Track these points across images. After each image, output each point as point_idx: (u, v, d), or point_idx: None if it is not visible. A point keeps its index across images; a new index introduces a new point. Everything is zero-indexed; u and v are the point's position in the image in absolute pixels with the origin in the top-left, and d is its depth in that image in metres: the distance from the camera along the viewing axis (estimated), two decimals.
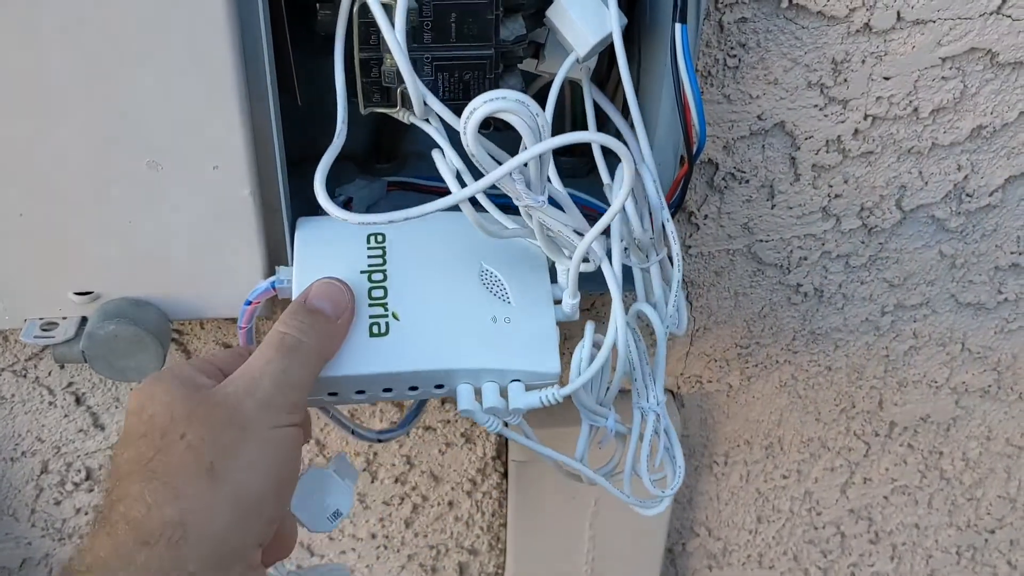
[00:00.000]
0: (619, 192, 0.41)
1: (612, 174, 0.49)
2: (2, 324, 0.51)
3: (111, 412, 0.67)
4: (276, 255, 0.50)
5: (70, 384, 0.65)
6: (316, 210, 0.52)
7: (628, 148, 0.40)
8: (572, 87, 0.54)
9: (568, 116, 0.56)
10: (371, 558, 0.83)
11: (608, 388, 0.49)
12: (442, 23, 0.44)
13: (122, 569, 0.34)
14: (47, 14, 0.40)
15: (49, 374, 0.64)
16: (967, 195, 0.64)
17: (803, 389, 0.77)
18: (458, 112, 0.40)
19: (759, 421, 0.79)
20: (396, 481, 0.76)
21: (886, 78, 0.57)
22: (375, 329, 0.44)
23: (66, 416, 0.67)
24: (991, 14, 0.55)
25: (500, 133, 0.41)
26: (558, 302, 0.47)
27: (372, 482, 0.76)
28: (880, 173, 0.62)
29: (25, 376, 0.64)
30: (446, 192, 0.43)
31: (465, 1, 0.43)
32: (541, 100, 0.41)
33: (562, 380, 0.46)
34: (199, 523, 0.35)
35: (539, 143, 0.38)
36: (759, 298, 0.69)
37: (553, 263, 0.48)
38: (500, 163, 0.40)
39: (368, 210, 0.55)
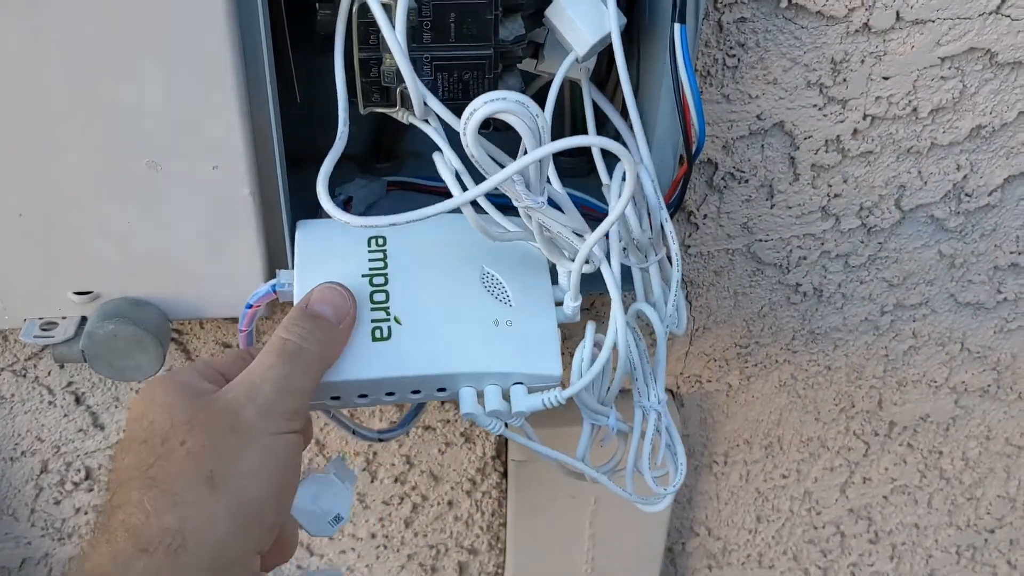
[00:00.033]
0: (620, 198, 0.41)
1: (611, 174, 0.49)
2: (2, 324, 0.51)
3: (111, 412, 0.67)
4: (276, 255, 0.50)
5: (70, 384, 0.65)
6: (316, 209, 0.52)
7: (629, 152, 0.40)
8: (571, 87, 0.54)
9: (567, 116, 0.56)
10: (371, 558, 0.83)
11: (609, 388, 0.49)
12: (441, 23, 0.44)
13: None
14: (47, 14, 0.40)
15: (49, 374, 0.64)
16: (966, 195, 0.64)
17: (803, 389, 0.77)
18: (457, 112, 0.40)
19: (759, 421, 0.79)
20: (396, 481, 0.76)
21: (885, 78, 0.57)
22: (377, 333, 0.44)
23: (66, 416, 0.67)
24: (990, 14, 0.55)
25: (499, 133, 0.41)
26: (559, 304, 0.47)
27: (372, 482, 0.76)
28: (879, 173, 0.62)
29: (25, 376, 0.64)
30: (446, 192, 0.43)
31: (464, 1, 0.43)
32: (540, 100, 0.41)
33: (563, 381, 0.46)
34: (198, 531, 0.35)
35: (540, 147, 0.38)
36: (758, 298, 0.69)
37: (553, 264, 0.48)
38: (500, 164, 0.40)
39: (368, 209, 0.55)
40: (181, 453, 0.36)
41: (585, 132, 0.51)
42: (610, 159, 0.46)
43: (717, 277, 0.67)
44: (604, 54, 0.49)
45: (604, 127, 0.52)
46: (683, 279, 0.66)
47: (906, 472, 0.86)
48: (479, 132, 0.38)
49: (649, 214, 0.46)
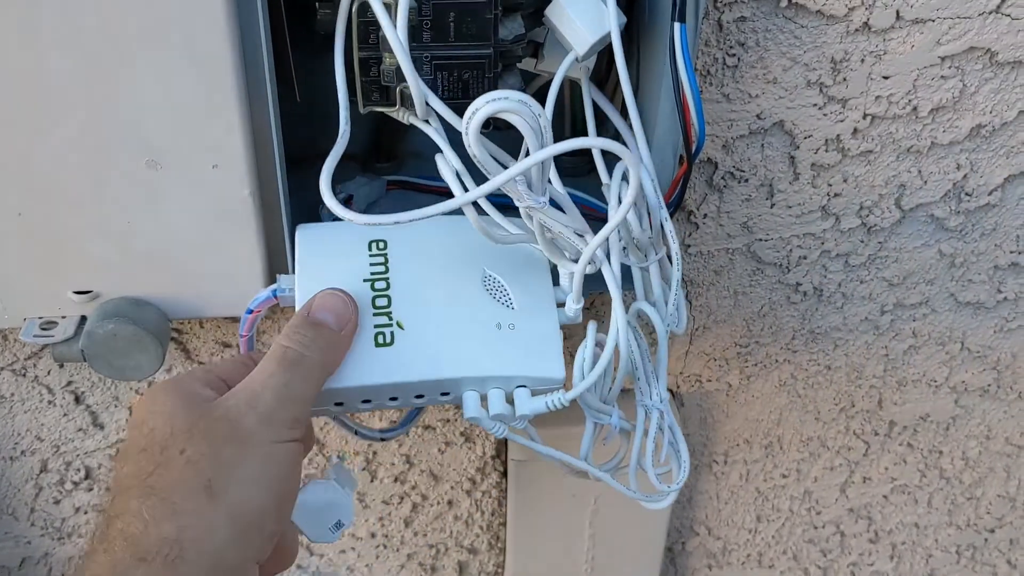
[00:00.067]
0: (622, 204, 0.41)
1: (611, 173, 0.49)
2: (1, 323, 0.51)
3: (110, 411, 0.67)
4: (276, 254, 0.50)
5: (69, 383, 0.65)
6: (316, 209, 0.53)
7: (632, 153, 0.40)
8: (571, 86, 0.54)
9: (567, 115, 0.56)
10: (370, 557, 0.83)
11: (611, 387, 0.49)
12: (441, 22, 0.44)
13: None
14: (47, 14, 0.40)
15: (48, 373, 0.64)
16: (966, 194, 0.64)
17: (803, 388, 0.77)
18: (457, 111, 0.40)
19: (759, 420, 0.79)
20: (396, 480, 0.76)
21: (885, 77, 0.57)
22: (380, 339, 0.44)
23: (65, 415, 0.67)
24: (990, 13, 0.55)
25: (500, 132, 0.41)
26: (560, 305, 0.47)
27: (371, 481, 0.76)
28: (879, 172, 0.62)
29: (24, 375, 0.64)
30: (446, 191, 0.43)
31: (464, 0, 0.43)
32: (540, 99, 0.40)
33: (565, 382, 0.46)
34: (197, 540, 0.35)
35: (543, 148, 0.38)
36: (758, 297, 0.69)
37: (554, 265, 0.48)
38: (501, 164, 0.40)
39: (368, 208, 0.55)
40: (180, 461, 0.36)
41: (585, 131, 0.51)
42: (610, 158, 0.46)
43: (717, 276, 0.67)
44: (604, 53, 0.49)
45: (604, 126, 0.52)
46: (683, 278, 0.66)
47: (906, 472, 0.86)
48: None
49: (649, 214, 0.46)
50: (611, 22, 0.44)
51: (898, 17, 0.54)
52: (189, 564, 0.34)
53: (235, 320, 0.62)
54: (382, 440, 0.58)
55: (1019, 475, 0.88)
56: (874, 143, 0.60)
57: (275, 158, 0.46)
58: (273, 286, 0.46)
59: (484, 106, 0.37)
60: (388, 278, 0.46)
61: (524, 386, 0.45)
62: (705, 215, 0.63)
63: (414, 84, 0.42)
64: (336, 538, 0.46)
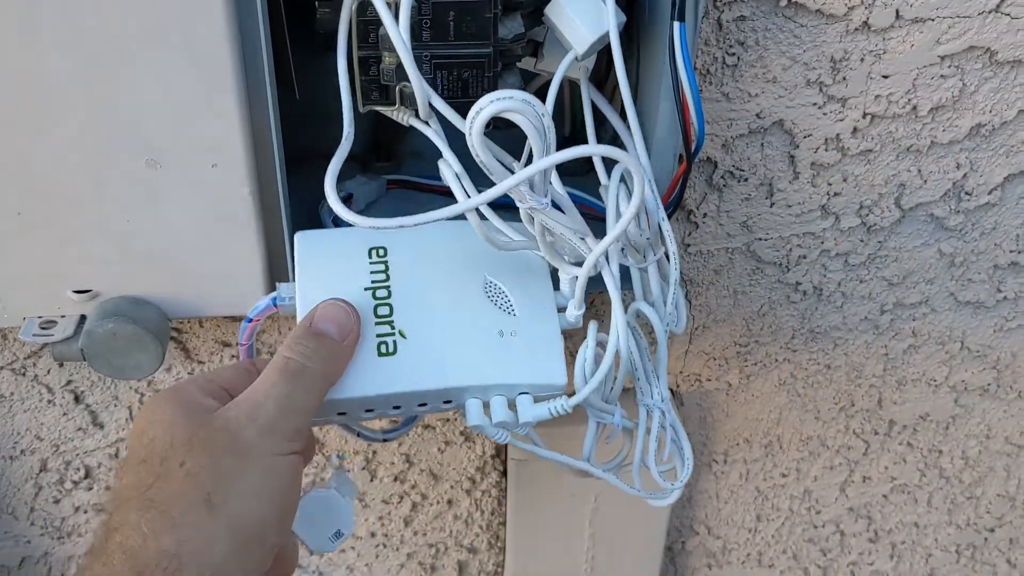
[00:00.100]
0: (623, 215, 0.41)
1: (609, 174, 0.49)
2: (1, 322, 0.51)
3: (110, 410, 0.67)
4: (275, 254, 0.50)
5: (69, 382, 0.65)
6: (315, 208, 0.53)
7: (639, 162, 0.39)
8: (571, 86, 0.54)
9: (567, 115, 0.56)
10: (370, 557, 0.83)
11: (613, 387, 0.49)
12: (441, 21, 0.44)
13: None
14: (47, 14, 0.40)
15: (48, 372, 0.64)
16: (966, 193, 0.64)
17: (802, 387, 0.77)
18: (457, 110, 0.40)
19: (758, 419, 0.79)
20: (395, 479, 0.76)
21: (885, 76, 0.57)
22: (383, 348, 0.44)
23: (65, 414, 0.67)
24: (990, 12, 0.55)
25: (499, 132, 0.41)
26: (561, 309, 0.47)
27: (371, 480, 0.76)
28: (879, 171, 0.62)
29: (24, 374, 0.64)
30: (446, 191, 0.43)
31: None
32: (539, 99, 0.40)
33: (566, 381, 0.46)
34: (196, 553, 0.34)
35: (547, 156, 0.38)
36: (758, 296, 0.69)
37: (555, 269, 0.47)
38: (503, 164, 0.40)
39: (367, 208, 0.55)
40: (180, 474, 0.36)
41: (584, 131, 0.51)
42: (610, 159, 0.46)
43: (717, 276, 0.67)
44: (603, 53, 0.49)
45: (603, 125, 0.52)
46: (683, 278, 0.66)
47: (906, 471, 0.86)
48: None
49: (647, 215, 0.46)
50: (610, 21, 0.44)
51: (898, 16, 0.54)
52: None
53: (235, 319, 0.62)
54: (384, 441, 0.58)
55: (1019, 474, 0.88)
56: (874, 142, 0.60)
57: (275, 158, 0.46)
58: (273, 294, 0.45)
59: (488, 106, 0.37)
60: (389, 286, 0.45)
61: (527, 393, 0.45)
62: (705, 214, 0.63)
63: (417, 83, 0.42)
64: (336, 547, 0.46)
